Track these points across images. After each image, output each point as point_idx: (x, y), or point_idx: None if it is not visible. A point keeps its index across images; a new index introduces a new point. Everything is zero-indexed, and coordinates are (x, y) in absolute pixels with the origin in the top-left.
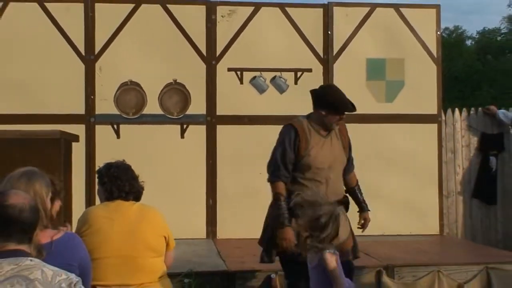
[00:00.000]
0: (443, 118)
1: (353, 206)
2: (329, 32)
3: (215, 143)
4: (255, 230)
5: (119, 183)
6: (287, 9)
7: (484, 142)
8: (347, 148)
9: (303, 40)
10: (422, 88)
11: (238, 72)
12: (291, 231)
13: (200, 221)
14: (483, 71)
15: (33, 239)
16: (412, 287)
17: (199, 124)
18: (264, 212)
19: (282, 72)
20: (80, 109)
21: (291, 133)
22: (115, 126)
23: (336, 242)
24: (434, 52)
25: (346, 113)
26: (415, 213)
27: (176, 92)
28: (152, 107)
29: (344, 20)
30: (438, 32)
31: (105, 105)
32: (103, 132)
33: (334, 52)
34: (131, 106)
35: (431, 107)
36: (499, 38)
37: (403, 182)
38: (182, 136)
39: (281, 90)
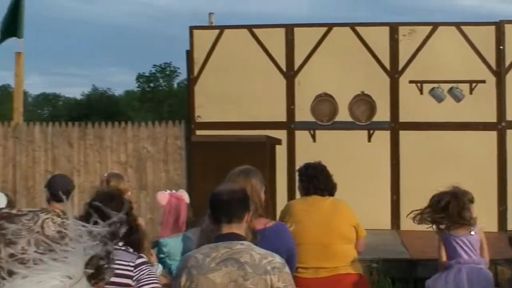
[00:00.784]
0: None
1: None
2: (501, 47)
3: (398, 146)
4: None
5: (315, 181)
6: (462, 27)
7: None
8: None
9: (477, 54)
10: None
11: (418, 84)
12: None
13: (385, 214)
14: None
15: (249, 225)
16: None
17: (384, 130)
18: None
19: (458, 84)
20: (282, 117)
21: None
22: (311, 132)
23: None
24: None
25: None
26: None
27: (363, 102)
28: (343, 115)
29: None
30: None
31: (303, 113)
32: (301, 136)
33: (506, 65)
34: (325, 114)
35: None
36: None
37: None
38: (369, 140)
39: (457, 99)
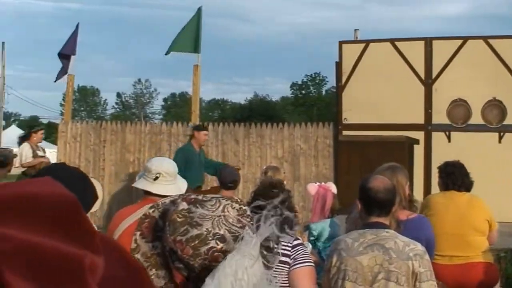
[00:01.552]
0: None
1: None
2: None
3: None
4: None
5: (453, 178)
6: None
7: None
8: None
9: None
10: None
11: None
12: None
13: None
14: None
15: (394, 215)
16: None
17: None
18: None
19: None
20: (420, 120)
21: None
22: (447, 133)
23: None
24: None
25: None
26: None
27: (495, 107)
28: (476, 118)
29: None
30: None
31: (439, 116)
32: (438, 137)
33: None
34: (459, 117)
35: None
36: None
37: None
38: (500, 142)
39: None
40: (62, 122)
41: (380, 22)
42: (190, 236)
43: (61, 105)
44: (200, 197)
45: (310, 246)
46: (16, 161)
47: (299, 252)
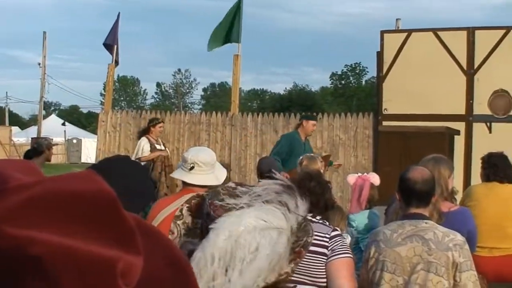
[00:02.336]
0: None
1: None
2: None
3: None
4: None
5: (495, 169)
6: None
7: None
8: None
9: None
10: None
11: None
12: None
13: None
14: None
15: (436, 206)
16: None
17: None
18: None
19: None
20: (461, 110)
21: None
22: (488, 124)
23: None
24: None
25: None
26: None
27: None
28: None
29: None
30: None
31: (480, 107)
32: (478, 128)
33: None
34: (501, 108)
35: None
36: None
37: None
38: None
39: None
40: (102, 112)
41: (422, 11)
42: (226, 203)
43: (101, 94)
44: (251, 185)
45: (349, 237)
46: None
47: (337, 243)
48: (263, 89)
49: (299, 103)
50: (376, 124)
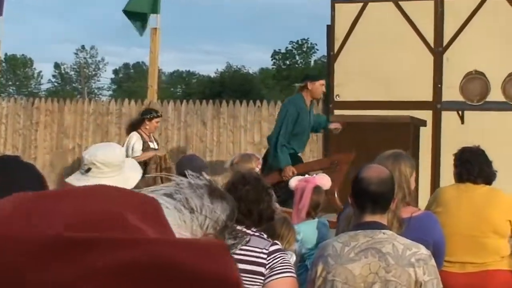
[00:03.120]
0: None
1: None
2: None
3: None
4: None
5: (468, 166)
6: None
7: None
8: None
9: None
10: None
11: None
12: None
13: None
14: None
15: (396, 214)
16: None
17: None
18: None
19: None
20: (428, 97)
21: None
22: (460, 113)
23: None
24: None
25: None
26: None
27: None
28: (496, 95)
29: None
30: None
31: (451, 93)
32: (448, 118)
33: None
34: (475, 93)
35: None
36: None
37: None
38: None
39: None
40: None
41: None
42: None
43: None
44: None
45: (293, 255)
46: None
47: (277, 260)
48: (189, 71)
49: (233, 88)
50: (327, 114)
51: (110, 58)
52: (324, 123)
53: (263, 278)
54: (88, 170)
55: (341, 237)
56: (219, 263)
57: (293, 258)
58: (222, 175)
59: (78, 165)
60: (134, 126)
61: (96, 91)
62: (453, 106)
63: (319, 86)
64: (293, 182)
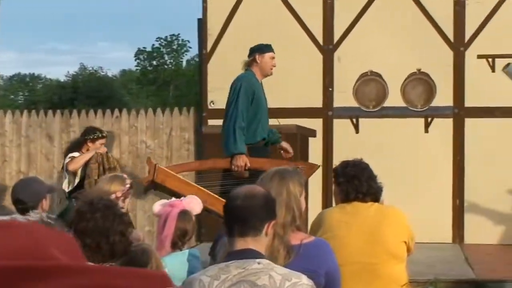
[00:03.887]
0: None
1: None
2: None
3: (463, 138)
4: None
5: (356, 183)
6: None
7: None
8: None
9: None
10: None
11: (490, 59)
12: None
13: (445, 223)
14: None
15: (284, 240)
16: None
17: (445, 117)
18: None
19: None
20: (318, 103)
21: None
22: (354, 120)
23: None
24: None
25: None
26: None
27: (420, 82)
28: (394, 99)
29: None
30: None
31: (343, 97)
32: (341, 126)
33: None
34: (371, 98)
35: None
36: None
37: None
38: (426, 131)
39: None
40: None
41: None
42: None
43: None
44: None
45: None
46: None
47: None
48: (33, 74)
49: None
50: (200, 124)
51: None
52: (274, 139)
53: None
54: None
55: (209, 270)
56: None
57: None
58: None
59: None
60: (73, 148)
61: None
62: (346, 112)
63: (268, 60)
64: (156, 207)
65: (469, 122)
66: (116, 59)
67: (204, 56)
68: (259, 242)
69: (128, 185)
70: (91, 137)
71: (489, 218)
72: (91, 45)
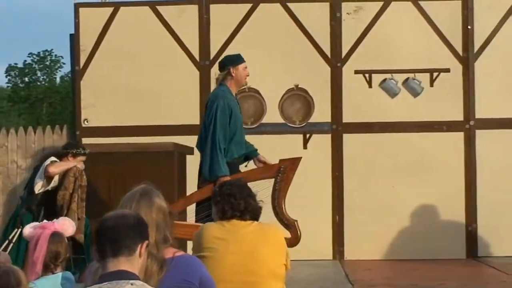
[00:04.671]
0: None
1: None
2: (469, 27)
3: (342, 154)
4: (389, 250)
5: (232, 201)
6: (421, 2)
7: None
8: None
9: (439, 36)
10: None
11: (366, 75)
12: None
13: (325, 240)
14: None
15: (158, 257)
16: None
17: (323, 133)
18: (400, 230)
19: (416, 74)
20: (195, 120)
21: None
22: None
23: None
24: None
25: None
26: None
27: (298, 98)
28: (272, 116)
29: (487, 13)
30: None
31: None
32: None
33: (475, 50)
34: (249, 115)
35: None
36: None
37: None
38: (305, 147)
39: (415, 93)
40: None
41: None
42: None
43: None
44: None
45: None
46: None
47: None
48: None
49: None
50: (74, 141)
51: None
52: (250, 152)
53: None
54: None
55: None
56: None
57: None
58: None
59: None
60: (49, 156)
61: None
62: None
63: (242, 71)
64: (27, 230)
65: (347, 138)
66: None
67: (77, 73)
68: (132, 263)
69: None
70: (74, 151)
71: (368, 234)
72: None
